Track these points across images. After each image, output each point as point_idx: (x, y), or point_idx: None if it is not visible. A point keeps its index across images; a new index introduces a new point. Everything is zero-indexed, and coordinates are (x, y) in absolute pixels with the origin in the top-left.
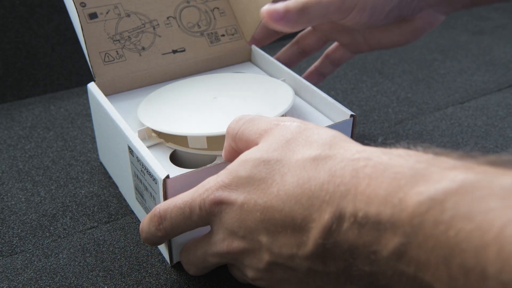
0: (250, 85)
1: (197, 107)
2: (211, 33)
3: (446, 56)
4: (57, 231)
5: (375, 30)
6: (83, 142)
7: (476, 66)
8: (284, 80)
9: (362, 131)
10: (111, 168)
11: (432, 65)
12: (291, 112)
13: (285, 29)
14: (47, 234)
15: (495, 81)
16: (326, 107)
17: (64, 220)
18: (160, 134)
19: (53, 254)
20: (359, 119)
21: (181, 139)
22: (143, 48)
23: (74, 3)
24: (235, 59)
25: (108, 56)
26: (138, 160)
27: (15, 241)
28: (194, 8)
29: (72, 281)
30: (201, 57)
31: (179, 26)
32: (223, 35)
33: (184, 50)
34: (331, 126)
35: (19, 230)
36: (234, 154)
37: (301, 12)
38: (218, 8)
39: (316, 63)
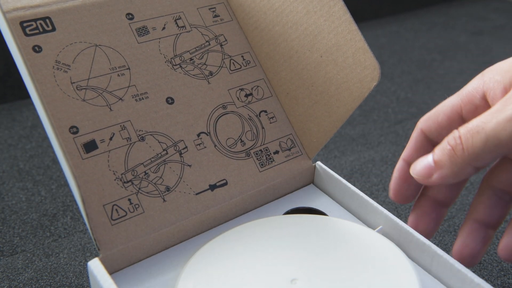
0: (339, 249)
1: None
2: (260, 151)
3: (445, 57)
4: (57, 231)
5: None
6: None
7: (476, 66)
8: (380, 230)
9: (362, 131)
10: None
11: (432, 66)
12: None
13: (449, 182)
14: (48, 233)
15: None
16: (465, 286)
17: (64, 220)
18: None
19: (54, 253)
20: (359, 119)
21: None
22: (168, 189)
23: (53, 128)
24: (294, 184)
25: (117, 210)
26: None
27: (15, 241)
28: (234, 115)
29: (72, 280)
30: (249, 190)
31: (215, 146)
32: (276, 152)
33: (225, 183)
34: None
35: (20, 229)
36: None
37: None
38: (265, 111)
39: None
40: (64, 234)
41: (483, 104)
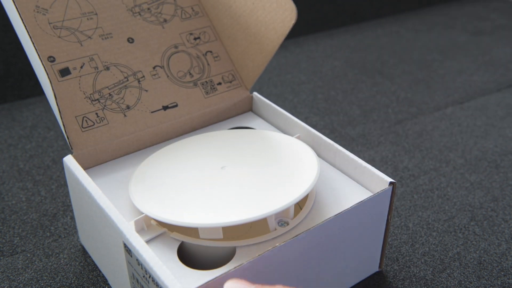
0: (261, 147)
1: (203, 183)
2: (206, 82)
3: (445, 57)
4: (57, 231)
5: None
6: None
7: (476, 66)
8: (299, 137)
9: (362, 131)
10: (97, 257)
11: (432, 66)
12: (318, 182)
13: None
14: (48, 234)
15: (494, 81)
16: (357, 171)
17: (64, 220)
18: (162, 222)
19: (54, 254)
20: (359, 119)
21: (190, 229)
22: (128, 107)
23: (40, 58)
24: (234, 110)
25: (86, 121)
26: (139, 263)
27: (16, 241)
28: (184, 54)
29: (72, 280)
30: (196, 111)
31: (168, 76)
32: (219, 83)
33: (176, 105)
34: (369, 198)
35: (20, 229)
36: None
37: None
38: (211, 52)
39: None
40: (64, 234)
41: None
